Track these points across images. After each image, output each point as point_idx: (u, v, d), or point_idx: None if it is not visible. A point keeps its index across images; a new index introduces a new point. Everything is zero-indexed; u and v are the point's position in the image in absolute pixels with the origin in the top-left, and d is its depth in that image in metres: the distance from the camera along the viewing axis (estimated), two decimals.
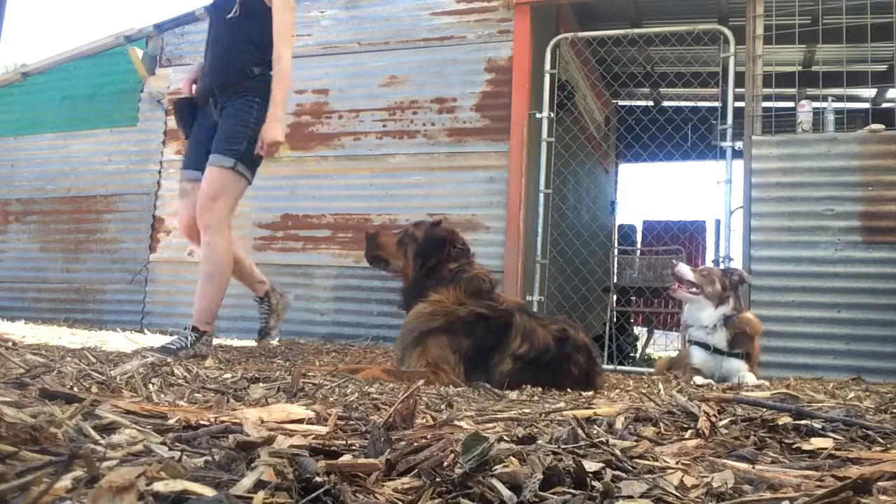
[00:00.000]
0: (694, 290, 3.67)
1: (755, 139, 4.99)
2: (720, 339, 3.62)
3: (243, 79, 3.36)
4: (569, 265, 5.81)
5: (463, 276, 2.68)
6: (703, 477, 0.89)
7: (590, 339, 2.86)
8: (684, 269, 3.72)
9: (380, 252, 3.05)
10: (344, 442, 1.00)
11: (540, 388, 2.43)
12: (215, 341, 4.74)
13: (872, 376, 4.31)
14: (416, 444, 0.91)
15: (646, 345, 8.37)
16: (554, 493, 0.76)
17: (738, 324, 3.64)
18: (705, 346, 3.66)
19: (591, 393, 2.47)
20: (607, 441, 1.04)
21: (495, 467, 0.82)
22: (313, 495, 0.69)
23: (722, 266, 4.74)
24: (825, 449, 1.13)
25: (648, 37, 6.03)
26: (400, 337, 2.74)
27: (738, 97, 5.17)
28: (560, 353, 2.58)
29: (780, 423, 1.30)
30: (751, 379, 3.43)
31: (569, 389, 2.50)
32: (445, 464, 0.83)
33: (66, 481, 0.64)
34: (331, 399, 1.60)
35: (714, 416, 1.32)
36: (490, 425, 1.28)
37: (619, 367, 5.15)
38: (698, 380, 3.24)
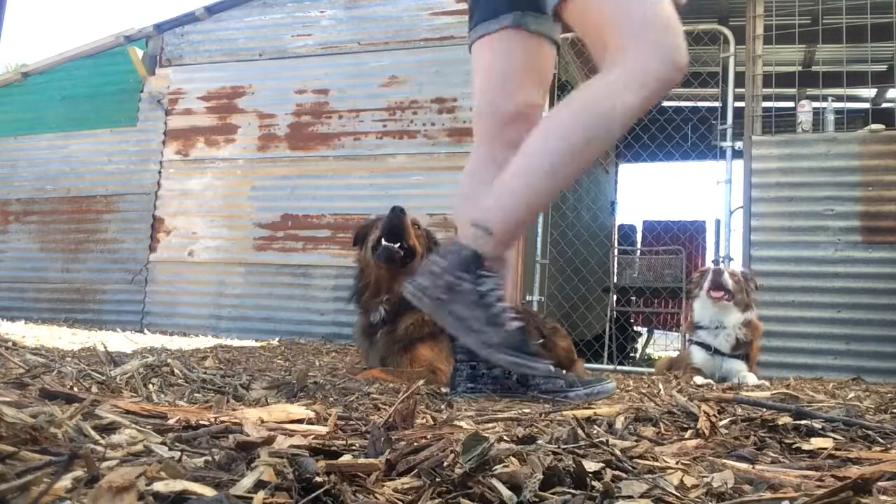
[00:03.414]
0: (727, 296, 3.69)
1: (755, 139, 4.99)
2: (730, 340, 3.65)
3: None
4: (569, 265, 5.81)
5: None
6: (703, 477, 0.89)
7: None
8: (728, 279, 3.70)
9: (411, 242, 2.56)
10: (344, 442, 1.00)
11: None
12: (215, 341, 4.75)
13: (872, 376, 4.31)
14: (416, 444, 0.91)
15: (646, 345, 8.38)
16: (554, 493, 0.76)
17: (751, 327, 3.69)
18: (706, 347, 3.67)
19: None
20: (607, 441, 1.04)
21: (495, 467, 0.82)
22: (313, 495, 0.69)
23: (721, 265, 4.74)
24: (825, 449, 1.13)
25: None
26: (381, 346, 2.63)
27: (738, 97, 5.17)
28: None
29: (780, 423, 1.30)
30: (751, 379, 3.44)
31: None
32: (445, 464, 0.83)
33: (66, 481, 0.64)
34: (331, 399, 1.60)
35: (714, 416, 1.31)
36: (490, 425, 1.28)
37: (620, 367, 5.15)
38: (698, 380, 3.24)
